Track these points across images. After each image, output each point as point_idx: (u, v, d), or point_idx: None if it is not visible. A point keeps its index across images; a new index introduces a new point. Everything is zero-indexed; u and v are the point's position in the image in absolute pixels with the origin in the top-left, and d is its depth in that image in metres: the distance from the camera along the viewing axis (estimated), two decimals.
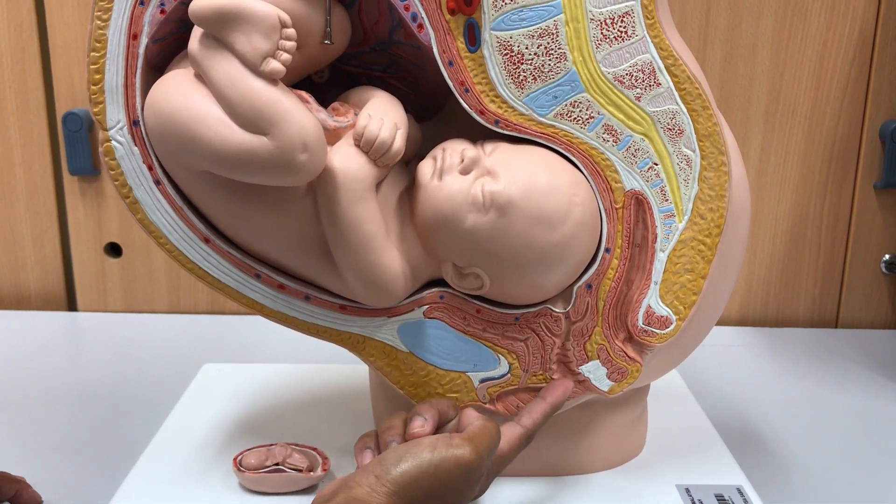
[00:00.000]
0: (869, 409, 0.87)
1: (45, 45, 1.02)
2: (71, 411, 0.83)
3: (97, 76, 0.56)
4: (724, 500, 0.65)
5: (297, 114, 0.52)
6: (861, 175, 1.05)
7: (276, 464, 0.65)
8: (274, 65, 0.52)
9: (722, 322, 1.09)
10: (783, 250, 1.08)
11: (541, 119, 0.59)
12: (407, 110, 0.61)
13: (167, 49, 0.58)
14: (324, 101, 0.59)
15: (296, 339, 0.98)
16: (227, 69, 0.52)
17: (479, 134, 0.61)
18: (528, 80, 0.58)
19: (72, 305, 1.10)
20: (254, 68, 0.52)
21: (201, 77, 0.54)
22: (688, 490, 0.66)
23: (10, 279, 1.09)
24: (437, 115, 0.67)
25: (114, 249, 1.08)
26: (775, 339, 1.05)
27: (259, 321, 1.05)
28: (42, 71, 1.03)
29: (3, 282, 1.09)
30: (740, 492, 0.66)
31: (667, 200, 0.60)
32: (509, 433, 0.57)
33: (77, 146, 1.02)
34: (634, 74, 0.58)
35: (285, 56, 0.52)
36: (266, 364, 0.89)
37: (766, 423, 0.83)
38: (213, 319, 1.07)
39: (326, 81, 0.64)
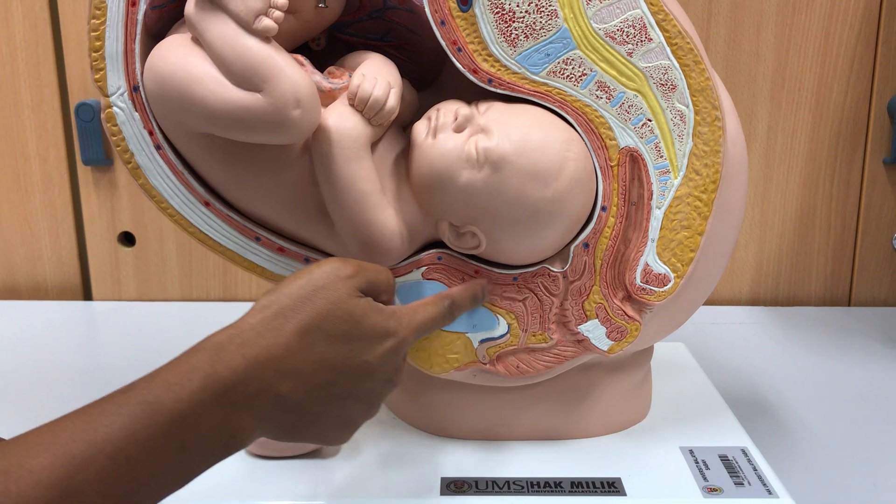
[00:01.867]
0: (882, 382, 0.86)
1: (58, 38, 1.04)
2: (86, 394, 0.83)
3: (97, 43, 0.58)
4: (729, 460, 0.65)
5: (290, 70, 0.53)
6: (870, 151, 1.04)
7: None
8: (266, 22, 0.53)
9: (733, 301, 1.09)
10: (793, 229, 1.07)
11: (534, 77, 0.59)
12: (403, 77, 0.62)
13: (165, 17, 0.60)
14: (321, 70, 0.60)
15: None
16: (222, 29, 0.53)
17: (474, 101, 0.61)
18: (520, 38, 0.58)
19: (87, 295, 1.12)
20: (247, 26, 0.53)
21: (198, 40, 0.55)
22: (691, 451, 0.66)
23: (26, 270, 1.11)
24: (434, 84, 0.67)
25: (127, 239, 1.10)
26: (787, 318, 1.05)
27: None
28: (55, 64, 1.05)
29: (20, 273, 1.11)
30: (744, 453, 0.66)
31: (661, 157, 0.60)
32: (424, 298, 0.56)
33: (90, 136, 1.04)
34: (625, 30, 0.58)
35: (277, 14, 0.53)
36: None
37: (775, 394, 0.83)
38: (224, 307, 1.09)
39: (324, 51, 0.65)
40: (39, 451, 0.39)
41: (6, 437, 0.67)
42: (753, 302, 1.10)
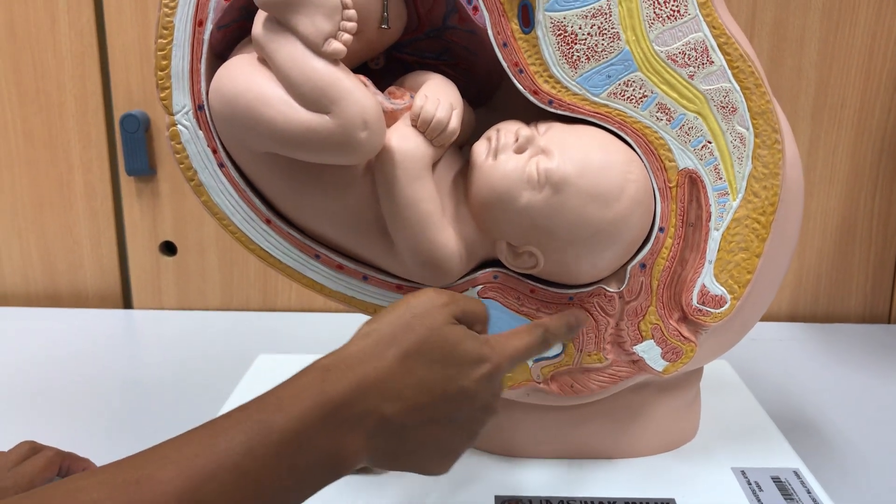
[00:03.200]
0: None
1: (104, 49, 1.05)
2: (130, 402, 0.85)
3: (164, 62, 0.59)
4: (782, 482, 0.65)
5: (358, 92, 0.54)
6: None
7: None
8: (335, 45, 0.53)
9: (772, 317, 1.09)
10: (833, 245, 1.07)
11: (594, 98, 0.59)
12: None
13: (229, 37, 0.60)
14: (379, 89, 0.61)
15: (345, 333, 1.00)
16: (290, 50, 0.54)
17: (530, 120, 0.62)
18: (582, 59, 0.59)
19: (127, 303, 1.13)
20: (316, 49, 0.54)
21: (264, 60, 0.56)
22: (744, 472, 0.66)
23: (68, 278, 1.12)
24: (488, 103, 0.68)
25: (168, 248, 1.11)
26: (827, 335, 1.04)
27: (308, 316, 1.08)
28: (101, 75, 1.06)
29: (61, 281, 1.12)
30: (797, 474, 0.66)
31: (720, 179, 0.60)
32: (520, 327, 0.56)
33: (134, 147, 1.05)
34: (687, 53, 0.58)
35: (346, 37, 0.54)
36: (319, 355, 0.90)
37: (819, 412, 0.82)
38: (264, 316, 1.09)
39: (381, 70, 0.66)
40: (166, 463, 0.41)
41: (52, 442, 0.68)
42: (792, 318, 1.09)
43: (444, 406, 0.49)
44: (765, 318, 1.07)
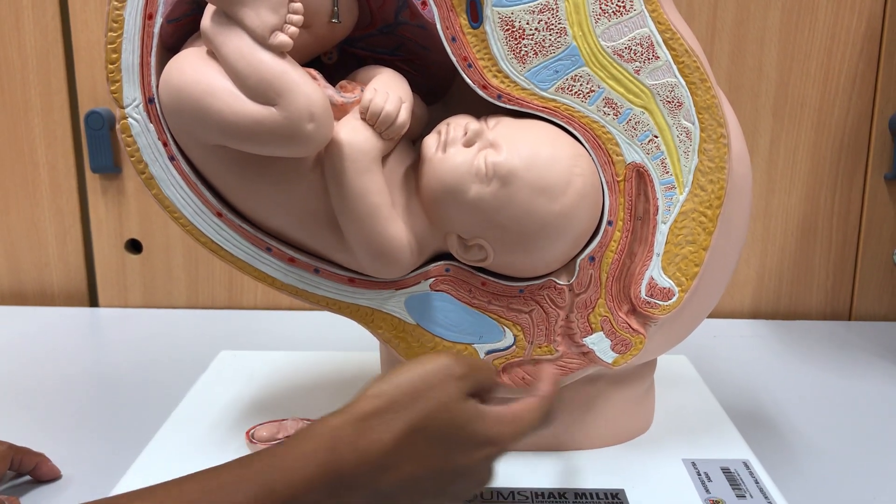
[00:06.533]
0: (882, 396, 0.86)
1: (69, 46, 1.05)
2: (91, 397, 0.85)
3: (114, 55, 0.59)
4: (731, 473, 0.66)
5: (304, 85, 0.54)
6: (871, 167, 1.05)
7: (288, 436, 0.66)
8: (281, 38, 0.54)
9: (734, 315, 1.10)
10: (795, 243, 1.08)
11: (542, 93, 0.60)
12: (413, 92, 0.63)
13: (181, 31, 0.61)
14: (332, 84, 0.61)
15: (311, 332, 1.01)
16: (237, 43, 0.54)
17: (484, 115, 0.62)
18: (530, 54, 0.59)
19: (93, 301, 1.13)
20: (262, 41, 0.54)
21: (214, 54, 0.56)
22: (694, 464, 0.67)
23: (33, 276, 1.12)
24: (443, 98, 0.68)
25: (134, 246, 1.11)
26: (788, 332, 1.05)
27: (274, 315, 1.09)
28: (66, 72, 1.06)
29: (27, 279, 1.12)
30: (746, 465, 0.67)
31: (667, 172, 0.61)
32: (523, 400, 0.55)
33: (99, 144, 1.05)
34: (633, 48, 0.59)
35: (292, 29, 0.54)
36: (282, 351, 0.90)
37: (776, 407, 0.83)
38: (230, 314, 1.09)
39: (335, 64, 0.66)
40: None
41: (18, 440, 0.67)
42: (754, 315, 1.11)
43: (438, 480, 0.50)
44: (727, 315, 1.10)
